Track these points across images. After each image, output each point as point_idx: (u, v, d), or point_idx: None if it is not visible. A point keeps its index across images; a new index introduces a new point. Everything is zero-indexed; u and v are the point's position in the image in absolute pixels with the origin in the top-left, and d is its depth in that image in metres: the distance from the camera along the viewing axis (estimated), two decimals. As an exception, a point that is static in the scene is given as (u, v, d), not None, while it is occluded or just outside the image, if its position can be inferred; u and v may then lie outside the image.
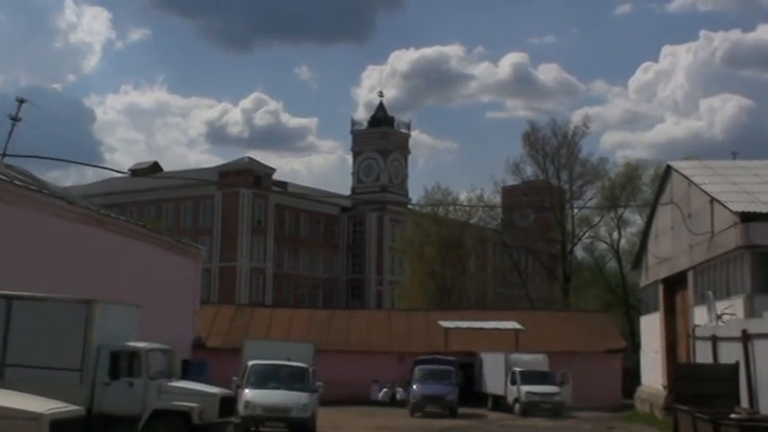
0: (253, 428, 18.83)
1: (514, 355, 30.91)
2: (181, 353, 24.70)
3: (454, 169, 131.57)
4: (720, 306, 20.76)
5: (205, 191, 74.10)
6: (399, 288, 68.61)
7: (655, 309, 29.67)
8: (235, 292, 71.30)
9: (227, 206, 73.75)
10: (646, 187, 53.52)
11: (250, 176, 73.74)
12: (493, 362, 31.61)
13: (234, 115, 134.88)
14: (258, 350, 23.83)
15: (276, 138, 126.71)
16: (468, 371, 32.88)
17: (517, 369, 29.69)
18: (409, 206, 77.33)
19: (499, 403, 30.54)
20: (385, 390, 33.14)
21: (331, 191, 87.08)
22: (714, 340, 18.49)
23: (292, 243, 79.53)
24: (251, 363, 20.31)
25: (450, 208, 60.80)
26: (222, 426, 15.54)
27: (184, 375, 19.00)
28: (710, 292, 21.92)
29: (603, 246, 57.73)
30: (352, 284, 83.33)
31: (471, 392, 32.11)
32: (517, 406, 28.95)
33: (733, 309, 20.23)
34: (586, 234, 57.91)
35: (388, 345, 35.35)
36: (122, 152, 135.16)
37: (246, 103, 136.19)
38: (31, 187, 21.00)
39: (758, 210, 20.62)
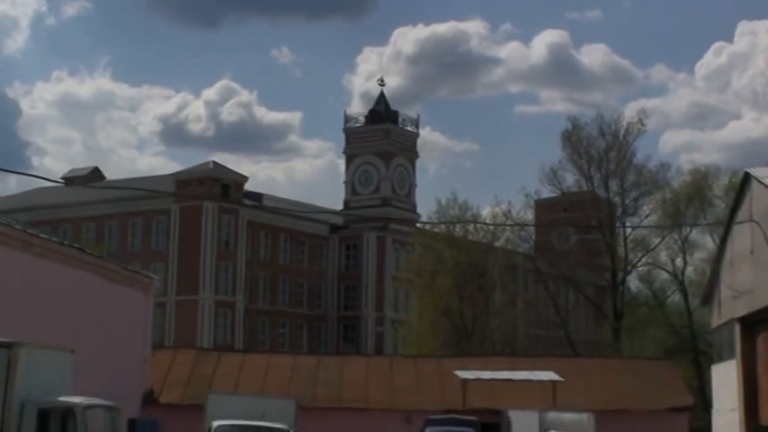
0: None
1: (552, 414, 30.83)
2: (127, 410, 24.51)
3: (475, 177, 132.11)
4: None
5: (159, 205, 74.36)
6: (405, 328, 68.65)
7: (730, 355, 29.64)
8: (196, 332, 71.55)
9: (186, 224, 74.03)
10: (718, 200, 53.64)
11: (216, 186, 73.94)
12: (524, 423, 31.38)
13: (195, 109, 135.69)
14: (225, 407, 23.77)
15: (249, 137, 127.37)
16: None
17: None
18: (418, 224, 77.43)
19: None
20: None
21: (318, 205, 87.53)
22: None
23: (269, 271, 79.68)
24: (216, 424, 20.40)
25: (470, 227, 60.96)
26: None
27: (132, 439, 19.26)
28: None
29: (664, 275, 57.82)
30: (344, 323, 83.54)
31: None
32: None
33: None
34: (643, 260, 57.97)
35: (390, 401, 35.32)
36: (54, 155, 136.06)
37: (211, 93, 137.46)
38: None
39: None
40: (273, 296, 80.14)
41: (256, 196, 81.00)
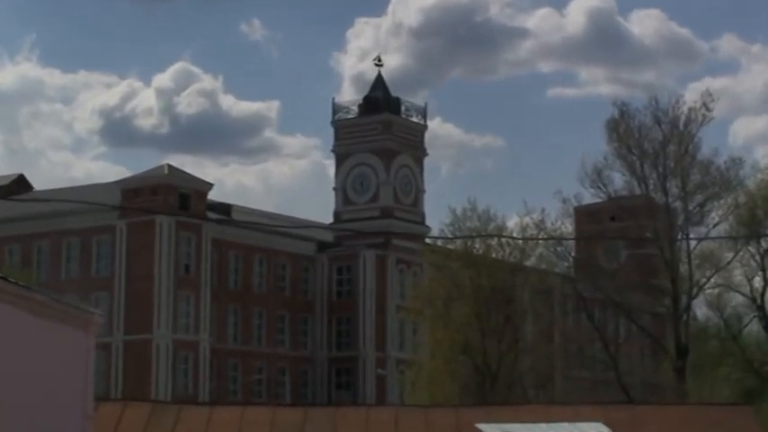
0: None
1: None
2: (63, 481, 24.37)
3: (498, 180, 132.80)
4: None
5: (101, 220, 75.01)
6: (413, 371, 68.42)
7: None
8: (150, 380, 72.10)
9: (135, 244, 74.55)
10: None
11: (172, 196, 74.56)
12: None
13: (145, 99, 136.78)
14: (188, 475, 23.63)
15: (213, 134, 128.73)
16: None
17: None
18: (427, 239, 77.84)
19: None
20: None
21: (302, 218, 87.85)
22: None
23: (241, 302, 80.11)
24: None
25: (494, 242, 61.04)
26: None
27: None
28: None
29: (739, 299, 57.79)
30: (337, 366, 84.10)
31: None
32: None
33: None
34: (712, 281, 57.98)
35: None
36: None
37: (165, 79, 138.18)
38: None
39: None
40: (247, 333, 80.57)
41: (223, 208, 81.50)
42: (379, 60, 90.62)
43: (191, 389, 73.15)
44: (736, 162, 58.73)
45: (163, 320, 73.89)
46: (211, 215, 77.51)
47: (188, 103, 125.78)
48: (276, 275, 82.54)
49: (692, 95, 67.51)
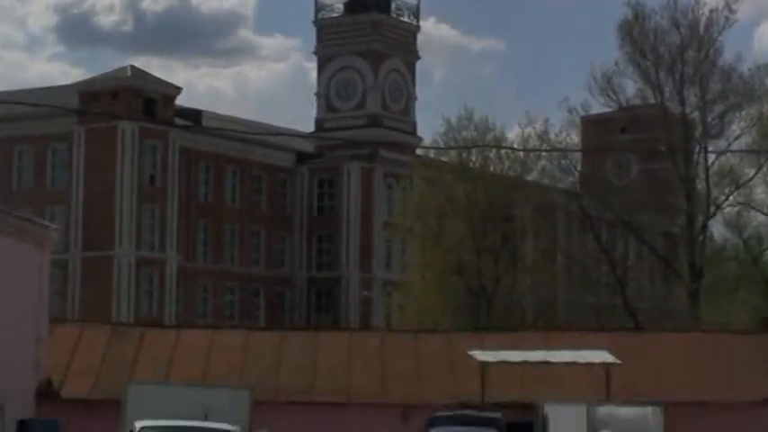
0: None
1: (605, 409, 30.92)
2: (15, 407, 24.40)
3: (498, 86, 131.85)
4: None
5: (57, 126, 74.20)
6: (402, 294, 68.90)
7: None
8: (111, 301, 71.72)
9: (95, 153, 73.67)
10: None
11: (136, 100, 73.60)
12: (567, 421, 31.50)
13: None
14: (153, 402, 23.86)
15: (182, 34, 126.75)
16: None
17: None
18: (418, 150, 77.50)
19: None
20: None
21: (280, 126, 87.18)
22: None
23: (212, 217, 79.82)
24: (139, 425, 20.52)
25: (492, 153, 61.00)
26: None
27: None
28: None
29: (760, 218, 57.95)
30: (318, 288, 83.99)
31: None
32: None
33: None
34: (731, 198, 58.12)
35: (382, 392, 35.44)
36: None
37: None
38: None
39: None
40: (218, 252, 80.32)
41: (193, 114, 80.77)
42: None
43: (155, 311, 73.39)
44: (761, 69, 58.75)
45: (125, 236, 73.60)
46: (179, 122, 76.87)
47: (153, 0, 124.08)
48: (251, 188, 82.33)
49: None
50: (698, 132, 58.47)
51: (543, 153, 60.58)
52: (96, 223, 73.02)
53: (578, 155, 64.04)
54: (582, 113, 61.44)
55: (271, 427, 23.36)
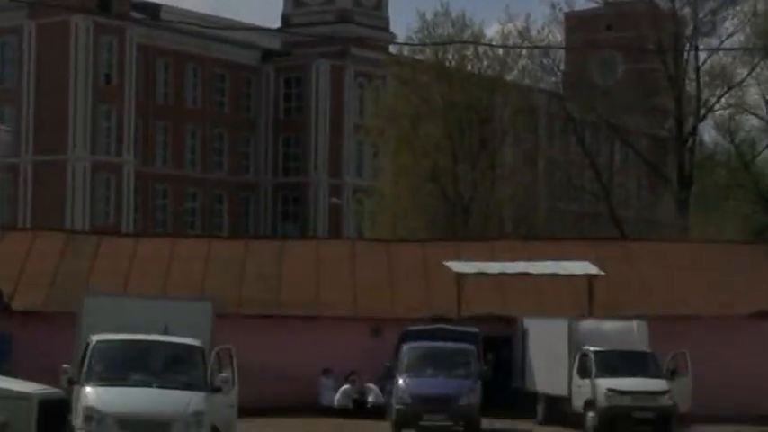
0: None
1: (588, 323, 31.17)
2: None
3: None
4: None
5: (6, 20, 73.54)
6: (373, 201, 68.94)
7: None
8: (64, 208, 71.70)
9: (47, 49, 73.29)
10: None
11: (89, -9, 73.42)
12: (547, 335, 31.83)
13: None
14: (109, 315, 23.46)
15: None
16: (502, 352, 33.27)
17: (591, 349, 29.99)
18: (392, 48, 76.96)
19: (558, 410, 31.14)
20: (346, 388, 33.52)
21: (244, 20, 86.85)
22: None
23: (172, 119, 79.51)
24: (96, 338, 20.52)
25: (469, 51, 60.34)
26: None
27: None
28: None
29: (754, 122, 57.87)
30: (283, 194, 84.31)
31: (506, 390, 32.66)
32: (591, 416, 29.41)
33: None
34: (722, 100, 57.96)
35: (352, 305, 35.58)
36: None
37: None
38: None
39: None
40: (178, 155, 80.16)
41: (151, 8, 79.96)
42: None
43: (112, 218, 73.27)
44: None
45: (79, 139, 73.18)
46: (136, 16, 75.92)
47: None
48: (213, 88, 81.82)
49: None
50: (688, 30, 58.15)
51: (524, 51, 60.46)
52: (48, 125, 72.52)
53: (561, 53, 63.90)
54: (565, 9, 61.26)
55: (234, 342, 23.18)
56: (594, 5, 62.03)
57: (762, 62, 55.52)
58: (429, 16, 61.02)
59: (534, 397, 32.29)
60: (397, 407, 28.58)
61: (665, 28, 57.41)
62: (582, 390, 29.82)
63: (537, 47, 59.17)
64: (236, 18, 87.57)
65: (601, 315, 32.56)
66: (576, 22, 66.53)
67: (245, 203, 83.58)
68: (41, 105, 73.19)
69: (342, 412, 32.67)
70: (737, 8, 57.46)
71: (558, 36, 63.48)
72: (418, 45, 61.85)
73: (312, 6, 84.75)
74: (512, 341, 33.82)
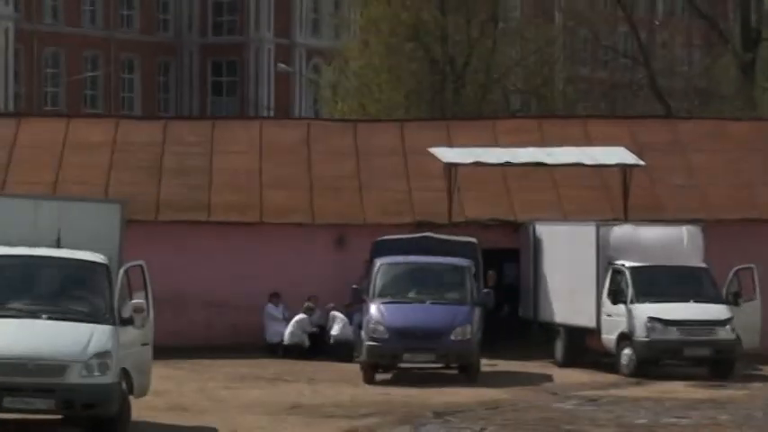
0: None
1: (621, 230, 31.29)
2: None
3: None
4: None
5: None
6: (334, 69, 68.61)
7: None
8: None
9: None
10: None
11: None
12: (567, 246, 32.06)
13: None
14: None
15: None
16: (507, 269, 33.89)
17: (627, 264, 30.22)
18: None
19: (582, 346, 31.42)
20: (300, 318, 33.55)
21: None
22: None
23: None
24: None
25: None
26: None
27: None
28: None
29: None
30: (214, 59, 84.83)
31: (513, 321, 33.22)
32: (626, 355, 29.70)
33: None
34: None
35: (306, 207, 35.71)
36: None
37: None
38: None
39: None
40: (73, 8, 79.82)
41: None
42: None
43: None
44: None
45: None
46: None
47: None
48: None
49: None
50: None
51: None
52: None
53: None
54: None
55: (149, 259, 23.03)
56: None
57: None
58: None
59: (551, 329, 32.47)
60: (369, 344, 28.64)
61: None
62: (614, 319, 30.09)
63: None
64: None
65: (639, 219, 32.75)
66: None
67: (164, 70, 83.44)
68: None
69: (294, 351, 32.78)
70: None
71: None
72: None
73: None
74: (520, 255, 34.09)
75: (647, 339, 29.25)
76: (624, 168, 34.34)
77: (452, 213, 34.00)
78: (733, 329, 29.45)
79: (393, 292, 29.35)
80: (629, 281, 29.85)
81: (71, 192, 32.31)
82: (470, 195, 34.91)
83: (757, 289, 30.71)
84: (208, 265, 33.49)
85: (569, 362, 31.33)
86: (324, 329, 33.40)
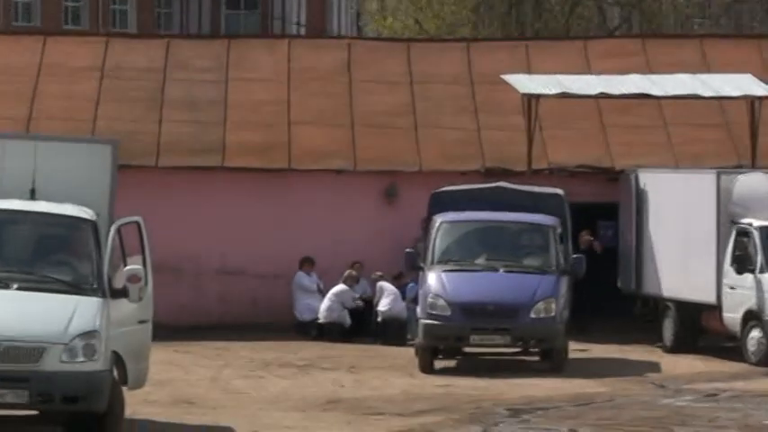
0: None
1: (748, 179, 31.31)
2: None
3: None
4: None
5: None
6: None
7: None
8: None
9: None
10: None
11: None
12: (680, 199, 32.09)
13: None
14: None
15: None
16: (603, 229, 34.14)
17: (756, 223, 30.24)
18: None
19: (696, 326, 31.58)
20: (341, 290, 33.83)
21: None
22: None
23: None
24: None
25: None
26: None
27: None
28: None
29: None
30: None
31: (610, 295, 33.40)
32: (755, 338, 29.70)
33: None
34: None
35: (346, 150, 35.91)
36: None
37: None
38: None
39: None
40: None
41: None
42: None
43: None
44: None
45: None
46: None
47: None
48: None
49: None
50: None
51: None
52: None
53: None
54: None
55: (148, 214, 23.06)
56: None
57: None
58: None
59: (658, 306, 32.66)
60: (427, 322, 28.84)
61: None
62: (739, 293, 30.16)
63: None
64: None
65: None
66: None
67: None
68: None
69: (331, 331, 33.08)
70: None
71: None
72: None
73: None
74: (619, 212, 34.13)
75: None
76: (752, 101, 34.35)
77: (532, 158, 34.12)
78: None
79: (457, 258, 29.55)
80: (759, 244, 29.74)
81: (49, 129, 32.45)
82: (555, 135, 34.95)
83: None
84: (222, 222, 33.64)
85: (681, 346, 31.43)
86: (369, 304, 33.54)
